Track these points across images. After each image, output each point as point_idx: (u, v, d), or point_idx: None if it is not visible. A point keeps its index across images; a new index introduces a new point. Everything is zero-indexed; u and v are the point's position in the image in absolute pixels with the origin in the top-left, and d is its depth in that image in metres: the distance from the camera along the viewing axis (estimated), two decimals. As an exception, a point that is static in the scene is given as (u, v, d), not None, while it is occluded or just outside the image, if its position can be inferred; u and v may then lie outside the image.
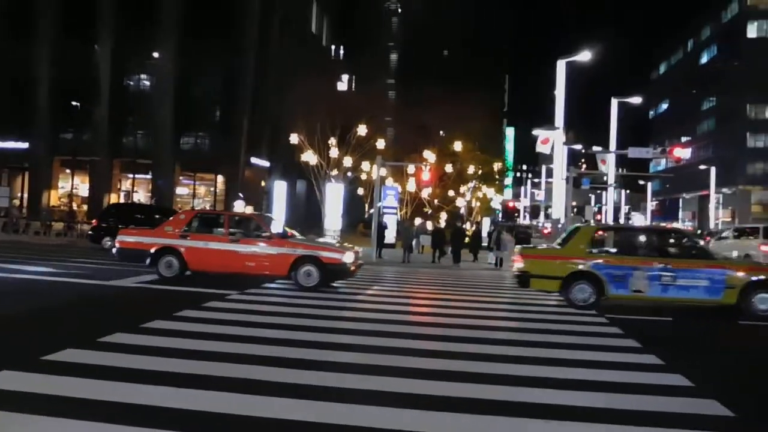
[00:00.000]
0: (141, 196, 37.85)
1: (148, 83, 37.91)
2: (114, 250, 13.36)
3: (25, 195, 37.21)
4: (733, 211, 67.39)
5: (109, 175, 36.82)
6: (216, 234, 12.83)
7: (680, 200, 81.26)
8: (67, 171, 38.54)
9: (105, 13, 35.25)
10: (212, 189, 38.59)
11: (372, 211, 25.75)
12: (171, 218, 13.74)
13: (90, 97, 36.08)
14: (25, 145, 36.01)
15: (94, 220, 23.04)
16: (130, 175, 38.47)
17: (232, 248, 12.36)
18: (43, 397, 4.67)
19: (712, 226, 60.20)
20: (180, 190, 37.73)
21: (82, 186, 38.59)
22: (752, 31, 65.60)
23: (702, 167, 64.53)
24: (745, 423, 4.79)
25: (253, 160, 36.95)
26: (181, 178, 37.82)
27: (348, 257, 12.36)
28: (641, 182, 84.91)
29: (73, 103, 37.19)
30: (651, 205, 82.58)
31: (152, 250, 12.42)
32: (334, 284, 12.77)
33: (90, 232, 21.40)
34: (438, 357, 6.73)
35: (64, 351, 6.02)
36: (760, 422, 4.98)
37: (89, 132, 36.68)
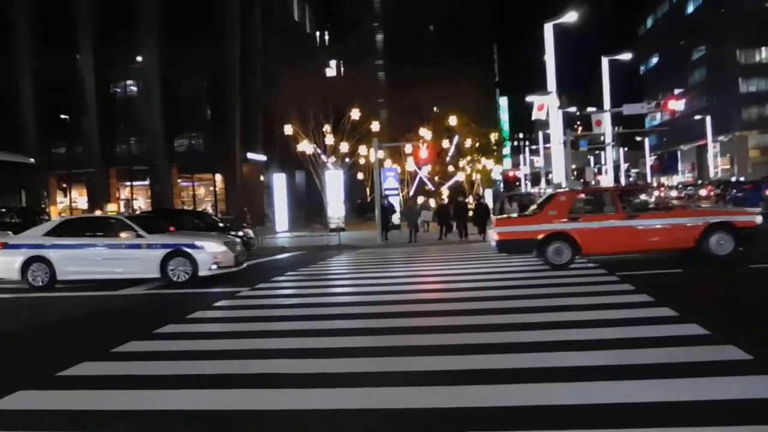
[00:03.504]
0: (141, 203, 37.93)
1: (135, 89, 37.79)
2: (493, 243, 12.67)
3: (25, 213, 37.16)
4: (731, 158, 67.34)
5: (107, 185, 36.81)
6: (608, 212, 11.93)
7: (678, 153, 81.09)
8: (64, 185, 38.52)
9: (84, 21, 34.99)
10: (212, 188, 38.66)
11: (373, 195, 25.80)
12: (550, 201, 12.76)
13: (79, 109, 35.97)
14: (19, 164, 35.93)
15: None
16: (128, 183, 38.50)
17: (632, 225, 11.62)
18: (64, 414, 4.57)
19: (711, 175, 60.23)
20: (179, 192, 37.76)
21: (80, 199, 38.57)
22: (736, -25, 64.97)
23: (697, 117, 64.37)
24: (763, 363, 4.86)
25: (250, 155, 36.93)
26: (179, 180, 37.84)
27: (759, 218, 11.72)
28: (638, 138, 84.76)
29: (63, 116, 37.05)
30: (650, 160, 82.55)
31: (539, 238, 11.73)
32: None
33: None
34: (457, 332, 6.81)
35: (79, 365, 5.89)
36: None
37: (82, 144, 36.62)
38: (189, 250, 11.82)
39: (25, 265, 12.07)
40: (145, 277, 11.99)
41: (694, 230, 11.38)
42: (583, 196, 13.06)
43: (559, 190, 13.46)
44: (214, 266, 11.91)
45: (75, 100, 35.78)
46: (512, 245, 12.30)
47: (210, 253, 11.93)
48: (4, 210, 16.42)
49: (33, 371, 5.92)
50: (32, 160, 18.77)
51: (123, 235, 12.15)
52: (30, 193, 17.79)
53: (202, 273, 11.78)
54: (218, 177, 37.67)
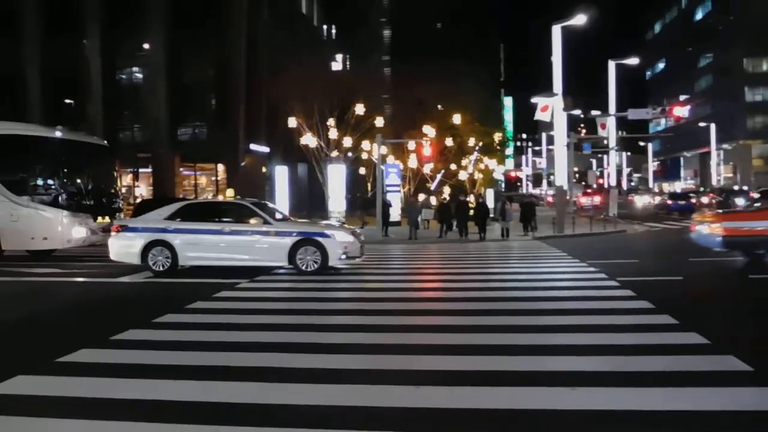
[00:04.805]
0: (143, 190, 37.95)
1: (140, 76, 37.73)
2: (717, 239, 11.69)
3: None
4: (734, 166, 67.28)
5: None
6: None
7: (681, 159, 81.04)
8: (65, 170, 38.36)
9: (91, 7, 34.90)
10: (213, 178, 38.69)
11: (374, 191, 25.78)
12: (760, 195, 12.63)
13: (83, 94, 35.87)
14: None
15: None
16: (131, 170, 38.48)
17: None
18: (61, 400, 4.58)
19: (714, 182, 60.20)
20: (181, 181, 37.76)
21: (82, 184, 38.45)
22: (746, -17, 64.80)
23: (702, 124, 64.27)
24: (762, 376, 4.85)
25: (253, 146, 36.92)
26: (181, 169, 37.84)
27: None
28: (641, 143, 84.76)
29: (67, 100, 37.00)
30: (652, 165, 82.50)
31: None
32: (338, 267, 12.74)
33: None
34: (457, 332, 6.80)
35: (78, 352, 5.91)
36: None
37: (85, 129, 36.48)
38: (319, 239, 11.67)
39: (146, 249, 11.95)
40: (271, 264, 11.85)
41: None
42: None
43: None
44: (344, 256, 11.78)
45: (80, 84, 35.65)
46: (742, 242, 11.59)
47: (340, 242, 11.79)
48: (80, 188, 15.47)
49: (33, 356, 5.93)
50: (105, 142, 18.09)
51: (250, 221, 12.04)
52: (102, 176, 16.92)
53: (331, 262, 11.66)
54: (220, 167, 37.68)
